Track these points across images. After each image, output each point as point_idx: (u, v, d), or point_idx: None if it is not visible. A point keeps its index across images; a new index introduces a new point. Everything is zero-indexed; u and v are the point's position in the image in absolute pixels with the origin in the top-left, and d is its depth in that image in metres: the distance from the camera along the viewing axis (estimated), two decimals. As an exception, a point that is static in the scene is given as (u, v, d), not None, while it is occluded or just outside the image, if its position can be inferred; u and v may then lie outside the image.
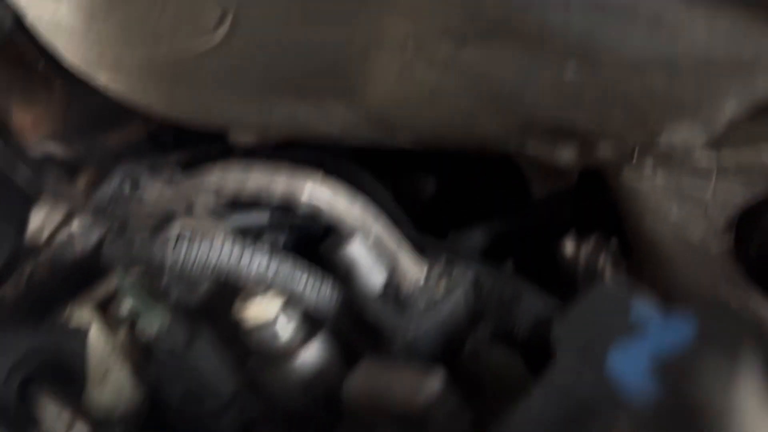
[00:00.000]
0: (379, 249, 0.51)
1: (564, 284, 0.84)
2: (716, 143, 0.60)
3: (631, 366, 0.38)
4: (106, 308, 0.66)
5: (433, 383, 0.46)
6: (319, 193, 0.51)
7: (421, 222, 0.93)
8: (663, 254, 0.68)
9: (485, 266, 0.70)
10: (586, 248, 0.81)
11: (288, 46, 0.57)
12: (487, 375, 0.57)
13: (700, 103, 0.55)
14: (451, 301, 0.53)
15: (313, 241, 0.64)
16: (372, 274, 0.57)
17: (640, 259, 0.72)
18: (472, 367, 0.55)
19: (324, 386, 0.59)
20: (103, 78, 0.67)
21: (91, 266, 0.65)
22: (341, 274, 0.60)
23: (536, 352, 0.58)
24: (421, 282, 0.51)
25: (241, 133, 0.85)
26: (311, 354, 0.60)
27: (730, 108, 0.55)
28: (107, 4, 0.55)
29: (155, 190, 0.76)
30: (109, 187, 0.85)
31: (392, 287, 0.52)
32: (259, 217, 0.66)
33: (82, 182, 0.93)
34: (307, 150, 0.88)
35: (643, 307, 0.42)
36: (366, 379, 0.50)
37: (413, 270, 0.52)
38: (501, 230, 0.89)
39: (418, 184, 0.96)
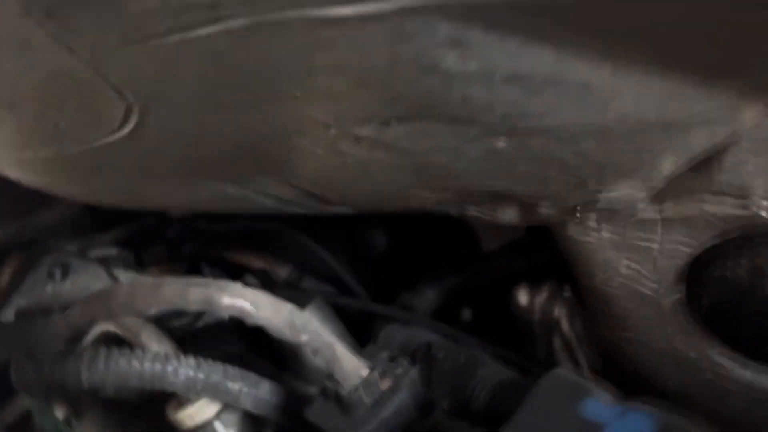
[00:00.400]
0: (314, 348, 0.48)
1: (521, 334, 0.82)
2: (658, 196, 0.58)
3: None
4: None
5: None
6: (240, 295, 0.48)
7: (373, 278, 0.91)
8: (616, 307, 0.66)
9: (437, 335, 0.67)
10: (540, 297, 0.79)
11: (203, 133, 0.54)
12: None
13: (637, 164, 0.53)
14: (398, 395, 0.50)
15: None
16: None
17: (594, 312, 0.70)
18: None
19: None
20: (12, 174, 0.62)
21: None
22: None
23: (496, 419, 0.55)
24: (363, 378, 0.48)
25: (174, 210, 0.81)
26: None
27: (667, 165, 0.53)
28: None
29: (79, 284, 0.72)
30: (36, 277, 0.80)
31: (332, 386, 0.49)
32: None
33: (7, 272, 0.87)
34: (250, 220, 0.85)
35: (596, 403, 0.40)
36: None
37: (353, 370, 0.49)
38: (454, 285, 0.87)
39: (369, 239, 0.93)
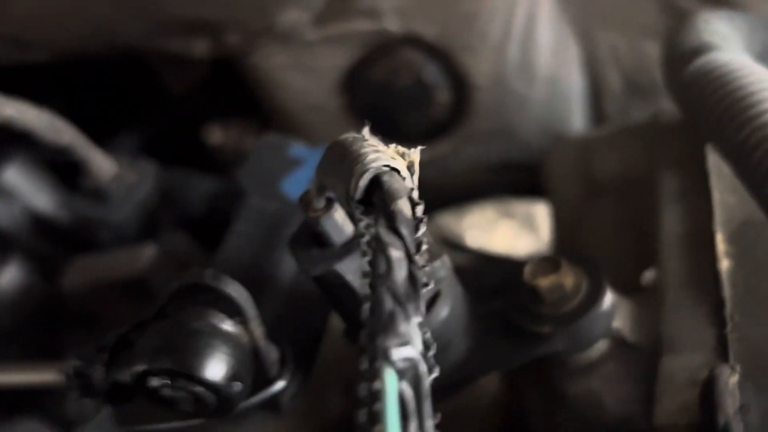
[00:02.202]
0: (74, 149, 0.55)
1: (216, 169, 0.94)
2: (319, 20, 0.74)
3: (298, 187, 0.51)
4: None
5: (149, 250, 0.54)
6: (6, 105, 0.52)
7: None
8: (294, 120, 0.82)
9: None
10: (232, 132, 0.92)
11: None
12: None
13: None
14: (144, 185, 0.59)
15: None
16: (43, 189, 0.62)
17: (278, 130, 0.85)
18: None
19: (31, 304, 0.62)
20: None
21: None
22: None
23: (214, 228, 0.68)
24: (115, 173, 0.57)
25: None
26: (7, 279, 0.63)
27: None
28: None
29: None
30: None
31: (90, 184, 0.57)
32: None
33: None
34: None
35: (298, 148, 0.55)
36: (82, 273, 0.56)
37: (106, 166, 0.57)
38: (150, 131, 0.95)
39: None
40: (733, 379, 0.33)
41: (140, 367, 0.34)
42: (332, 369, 0.46)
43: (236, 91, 0.87)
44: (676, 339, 0.37)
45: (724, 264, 0.39)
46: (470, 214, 0.84)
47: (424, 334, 0.27)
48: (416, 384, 0.25)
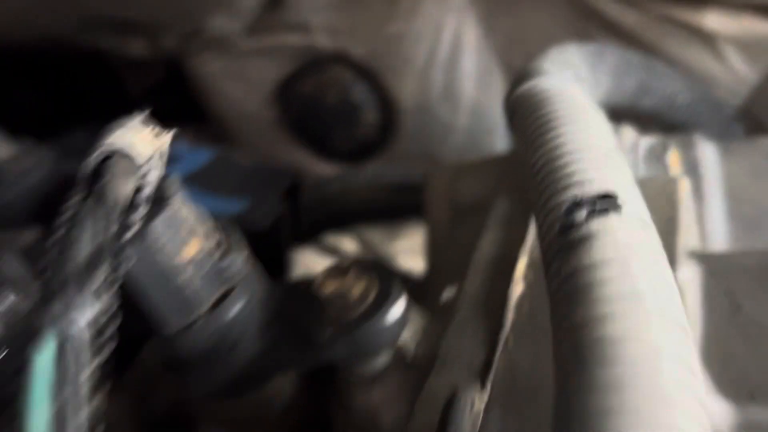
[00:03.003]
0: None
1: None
2: (253, 31, 0.76)
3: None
4: None
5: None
6: None
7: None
8: (229, 127, 0.84)
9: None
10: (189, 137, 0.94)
11: None
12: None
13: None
14: (40, 170, 0.61)
15: None
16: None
17: (218, 135, 0.87)
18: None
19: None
20: None
21: None
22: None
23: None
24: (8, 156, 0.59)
25: None
26: None
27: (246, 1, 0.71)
28: None
29: None
30: None
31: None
32: None
33: None
34: None
35: (177, 145, 0.56)
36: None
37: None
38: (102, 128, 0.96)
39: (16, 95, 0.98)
40: (479, 403, 0.33)
41: None
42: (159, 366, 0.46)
43: (190, 97, 0.89)
44: (447, 358, 0.37)
45: (517, 289, 0.38)
46: (402, 237, 0.84)
47: (101, 306, 0.27)
48: (76, 353, 0.25)
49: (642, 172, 0.44)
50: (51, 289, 0.26)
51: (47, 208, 0.64)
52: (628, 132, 0.47)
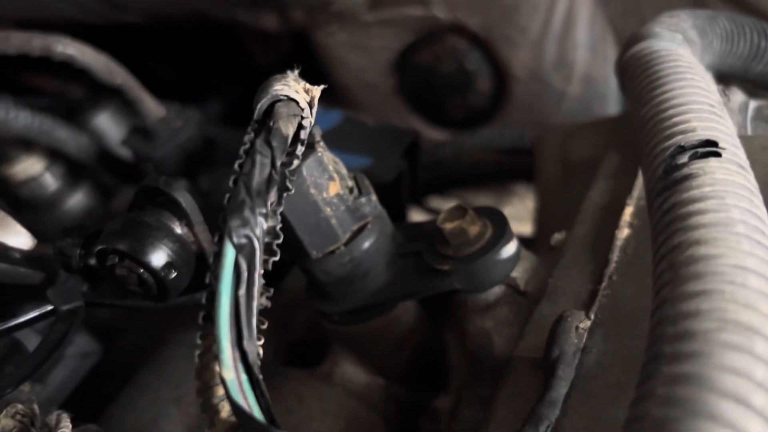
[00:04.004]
0: (125, 92, 0.66)
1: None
2: (375, 3, 0.81)
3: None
4: None
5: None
6: (70, 45, 0.63)
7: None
8: (351, 95, 0.90)
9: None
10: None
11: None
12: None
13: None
14: (187, 130, 0.69)
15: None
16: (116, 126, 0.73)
17: (340, 104, 0.93)
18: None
19: (91, 221, 0.74)
20: None
21: None
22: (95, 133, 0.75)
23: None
24: (162, 116, 0.67)
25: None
26: (75, 201, 0.75)
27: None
28: None
29: None
30: None
31: (140, 126, 0.67)
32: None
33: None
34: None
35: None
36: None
37: (155, 109, 0.67)
38: (233, 97, 1.05)
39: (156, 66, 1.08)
40: (584, 324, 0.37)
41: (99, 246, 0.42)
42: (299, 295, 0.52)
43: (314, 71, 0.95)
44: (556, 290, 0.41)
45: (623, 233, 0.41)
46: (509, 204, 0.88)
47: (269, 224, 0.33)
48: (250, 258, 0.31)
49: (750, 132, 0.46)
50: (232, 207, 0.32)
51: (193, 163, 0.72)
52: (738, 94, 0.49)
